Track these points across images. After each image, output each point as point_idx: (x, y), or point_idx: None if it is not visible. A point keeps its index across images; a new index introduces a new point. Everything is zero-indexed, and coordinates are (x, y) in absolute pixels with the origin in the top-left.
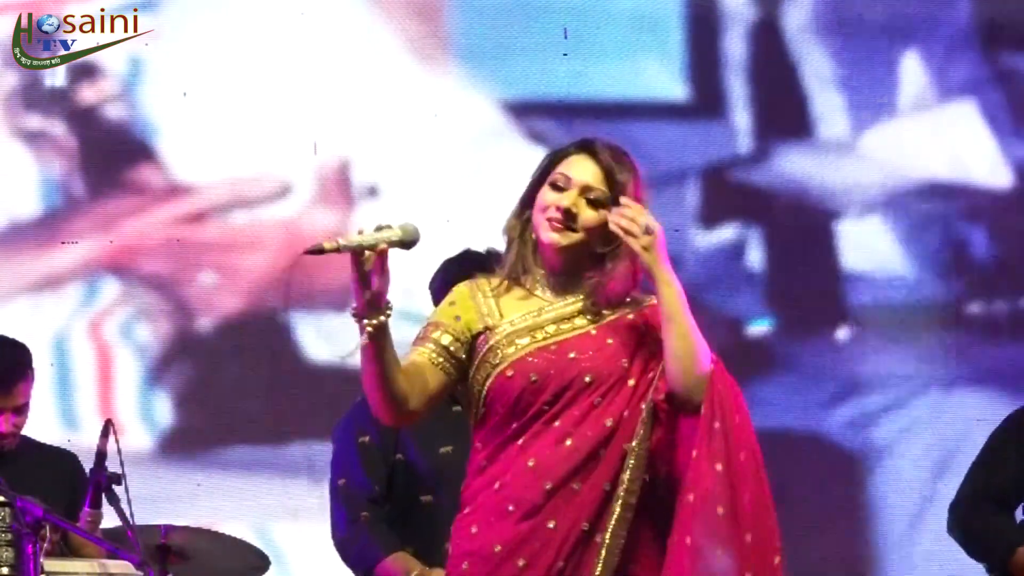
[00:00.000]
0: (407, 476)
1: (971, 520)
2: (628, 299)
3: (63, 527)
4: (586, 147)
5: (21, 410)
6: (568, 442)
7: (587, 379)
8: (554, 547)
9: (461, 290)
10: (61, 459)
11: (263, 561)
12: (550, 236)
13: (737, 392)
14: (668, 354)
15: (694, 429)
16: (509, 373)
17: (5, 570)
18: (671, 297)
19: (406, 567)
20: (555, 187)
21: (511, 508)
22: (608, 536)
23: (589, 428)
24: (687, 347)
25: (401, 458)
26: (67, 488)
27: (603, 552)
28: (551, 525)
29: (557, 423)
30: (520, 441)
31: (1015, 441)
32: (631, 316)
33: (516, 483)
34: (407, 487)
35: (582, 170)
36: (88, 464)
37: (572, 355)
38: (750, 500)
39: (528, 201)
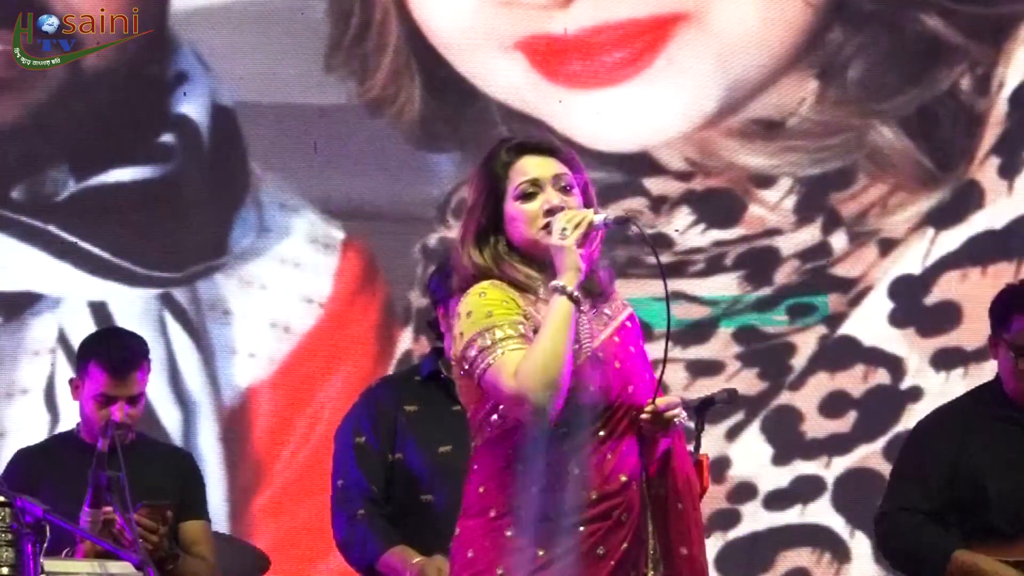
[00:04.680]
0: (406, 476)
1: (901, 533)
2: (611, 290)
3: (66, 527)
4: (523, 147)
5: (135, 400)
6: (610, 456)
7: (630, 389)
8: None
9: (496, 291)
10: (175, 457)
11: (263, 561)
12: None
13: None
14: None
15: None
16: (570, 383)
17: (5, 570)
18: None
19: (406, 558)
20: (527, 196)
21: (554, 514)
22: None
23: (628, 440)
24: None
25: (400, 458)
26: (178, 487)
27: None
28: (600, 552)
29: (602, 432)
30: (564, 447)
31: (930, 449)
32: (628, 324)
33: (559, 489)
34: (406, 487)
35: (541, 166)
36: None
37: (616, 364)
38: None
39: (490, 227)
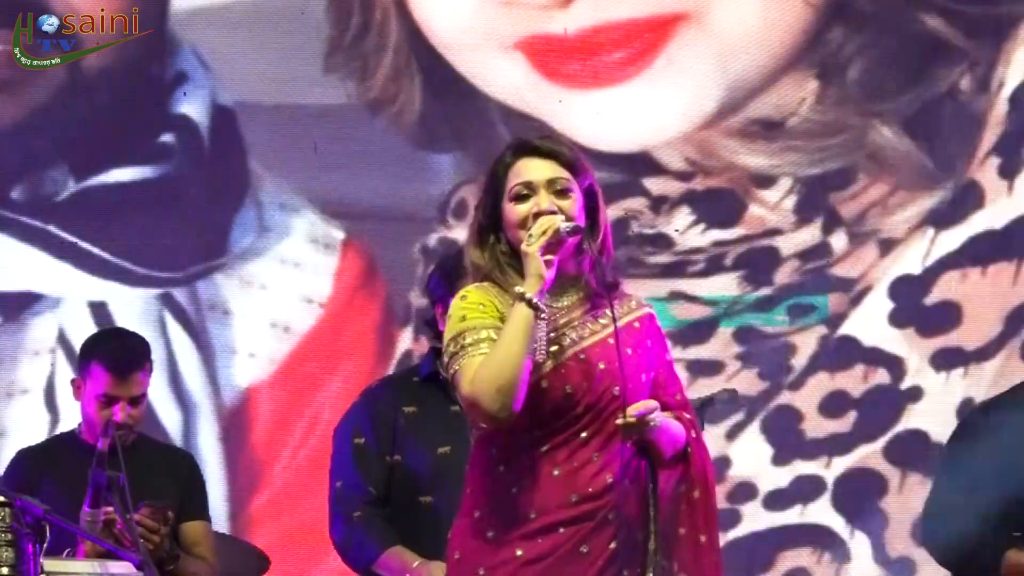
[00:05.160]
0: (405, 477)
1: (949, 531)
2: (621, 291)
3: (67, 527)
4: (523, 148)
5: (137, 401)
6: (595, 457)
7: (615, 391)
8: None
9: (477, 294)
10: (176, 458)
11: (263, 561)
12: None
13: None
14: None
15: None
16: (544, 384)
17: (5, 570)
18: None
19: (404, 560)
20: (520, 198)
21: (533, 515)
22: None
23: (616, 447)
24: None
25: (399, 459)
26: (179, 488)
27: None
28: (584, 550)
29: (584, 434)
30: (544, 448)
31: (977, 443)
32: (637, 325)
33: (538, 490)
34: (406, 488)
35: (536, 170)
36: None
37: (601, 366)
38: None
39: (489, 227)
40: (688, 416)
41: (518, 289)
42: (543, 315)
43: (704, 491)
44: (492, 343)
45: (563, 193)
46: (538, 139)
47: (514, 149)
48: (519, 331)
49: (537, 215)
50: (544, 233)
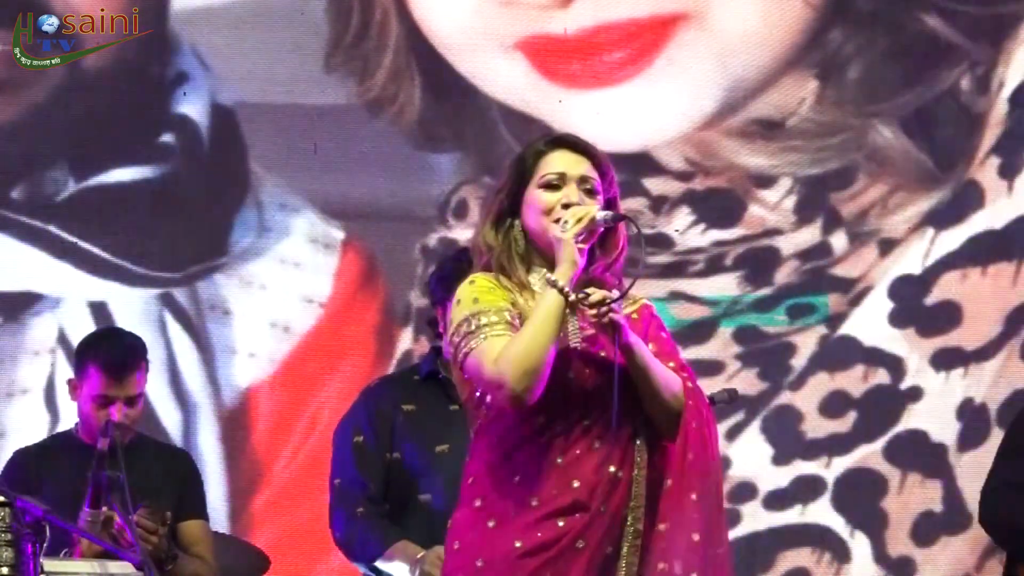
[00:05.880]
0: (404, 475)
1: (1004, 510)
2: (621, 288)
3: (64, 527)
4: (562, 142)
5: (134, 401)
6: (596, 444)
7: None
8: (581, 568)
9: (485, 280)
10: (174, 457)
11: (263, 561)
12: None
13: (710, 418)
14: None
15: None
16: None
17: (5, 570)
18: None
19: (408, 553)
20: (550, 187)
21: (534, 503)
22: (623, 562)
23: (616, 434)
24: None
25: (397, 456)
26: (177, 487)
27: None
28: (580, 545)
29: (586, 421)
30: (546, 436)
31: None
32: (635, 316)
33: (541, 478)
34: (404, 486)
35: (571, 163)
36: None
37: (602, 353)
38: (720, 526)
39: (510, 210)
40: (686, 376)
41: (549, 276)
42: (572, 302)
43: (696, 444)
44: (508, 325)
45: (590, 193)
46: (572, 136)
47: (549, 140)
48: (548, 316)
49: (565, 206)
50: (579, 221)
